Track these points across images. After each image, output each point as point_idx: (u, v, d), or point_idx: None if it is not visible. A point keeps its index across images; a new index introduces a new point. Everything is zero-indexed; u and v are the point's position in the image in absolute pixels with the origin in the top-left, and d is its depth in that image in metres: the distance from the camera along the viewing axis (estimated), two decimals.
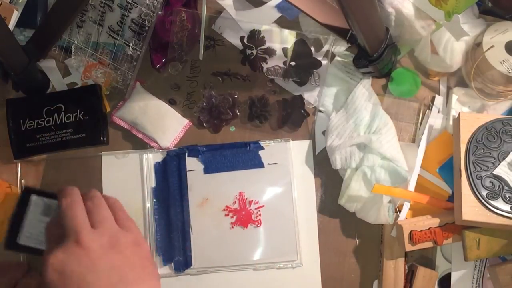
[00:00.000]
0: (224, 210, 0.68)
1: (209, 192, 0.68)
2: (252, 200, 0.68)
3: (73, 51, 0.71)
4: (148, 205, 0.69)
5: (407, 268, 0.66)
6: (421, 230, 0.61)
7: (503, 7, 0.65)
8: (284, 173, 0.68)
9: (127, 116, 0.70)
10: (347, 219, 0.68)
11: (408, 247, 0.61)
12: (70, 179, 0.71)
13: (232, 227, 0.67)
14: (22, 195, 0.63)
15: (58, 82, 0.73)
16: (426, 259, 0.67)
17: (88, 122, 0.70)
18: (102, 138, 0.70)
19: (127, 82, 0.70)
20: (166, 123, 0.69)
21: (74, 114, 0.70)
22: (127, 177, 0.70)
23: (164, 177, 0.69)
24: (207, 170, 0.69)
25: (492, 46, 0.63)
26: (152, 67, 0.71)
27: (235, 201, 0.68)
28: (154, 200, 0.69)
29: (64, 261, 0.47)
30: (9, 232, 0.62)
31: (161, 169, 0.69)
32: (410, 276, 0.64)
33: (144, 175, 0.69)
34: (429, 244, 0.61)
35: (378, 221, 0.64)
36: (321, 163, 0.69)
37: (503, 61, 0.62)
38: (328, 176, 0.69)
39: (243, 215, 0.67)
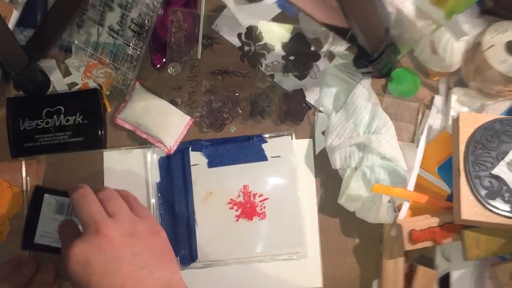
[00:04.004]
0: (228, 203, 0.68)
1: (213, 185, 0.69)
2: (257, 193, 0.68)
3: (73, 51, 0.72)
4: (153, 200, 0.69)
5: (407, 267, 0.66)
6: (420, 230, 0.61)
7: (503, 7, 0.65)
8: (288, 166, 0.68)
9: (129, 117, 0.70)
10: (347, 219, 0.68)
11: (408, 247, 0.61)
12: (72, 178, 0.71)
13: (237, 220, 0.68)
14: (34, 195, 0.65)
15: (58, 82, 0.73)
16: (426, 259, 0.67)
17: (87, 126, 0.70)
18: (99, 143, 0.70)
19: (127, 82, 0.70)
20: (169, 121, 0.69)
21: (73, 117, 0.70)
22: (130, 173, 0.70)
23: (168, 172, 0.70)
24: (211, 164, 0.69)
25: (492, 46, 0.63)
26: (152, 67, 0.72)
27: (239, 194, 0.68)
28: (159, 195, 0.70)
29: (86, 252, 0.47)
30: (25, 233, 0.64)
31: (165, 164, 0.70)
32: (410, 276, 0.65)
33: (149, 171, 0.70)
34: (428, 244, 0.61)
35: (378, 221, 0.64)
36: (321, 163, 0.69)
37: (503, 61, 0.63)
38: (328, 176, 0.69)
39: (248, 208, 0.68)
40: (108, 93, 0.72)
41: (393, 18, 0.65)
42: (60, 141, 0.70)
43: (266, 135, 0.69)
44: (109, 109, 0.72)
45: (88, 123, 0.70)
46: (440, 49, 0.66)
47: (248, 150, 0.69)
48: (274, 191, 0.68)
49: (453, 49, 0.65)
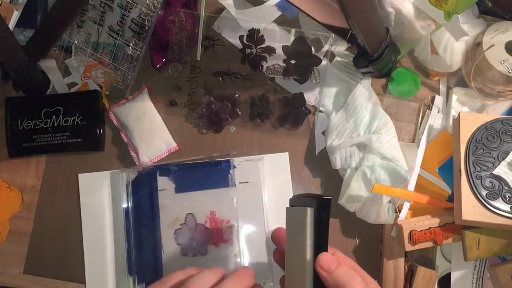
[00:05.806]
0: None
1: (180, 211, 0.67)
2: (224, 219, 0.67)
3: (73, 51, 0.72)
4: (119, 225, 0.68)
5: (407, 268, 0.65)
6: (421, 230, 0.61)
7: (503, 7, 0.65)
8: (256, 192, 0.67)
9: (122, 116, 0.70)
10: (347, 219, 0.68)
11: (408, 247, 0.61)
12: (70, 178, 0.71)
13: None
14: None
15: (58, 82, 0.73)
16: (426, 259, 0.67)
17: (86, 127, 0.70)
18: (98, 145, 0.70)
19: (127, 82, 0.70)
20: (154, 140, 0.69)
21: (72, 118, 0.70)
22: (99, 197, 0.69)
23: (135, 197, 0.68)
24: (178, 190, 0.68)
25: (492, 45, 0.63)
26: (152, 67, 0.71)
27: (206, 220, 0.67)
28: (126, 220, 0.68)
29: None
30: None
31: (133, 189, 0.68)
32: (410, 276, 0.64)
33: (116, 195, 0.68)
34: (429, 244, 0.61)
35: (378, 221, 0.64)
36: (321, 163, 0.69)
37: (503, 61, 0.62)
38: (328, 176, 0.69)
39: (215, 234, 0.67)
40: (108, 93, 0.72)
41: (393, 18, 0.65)
42: (58, 142, 0.70)
43: (235, 161, 0.68)
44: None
45: (87, 124, 0.70)
46: (440, 49, 0.66)
47: (216, 175, 0.67)
48: (242, 218, 0.67)
49: (453, 49, 0.65)
